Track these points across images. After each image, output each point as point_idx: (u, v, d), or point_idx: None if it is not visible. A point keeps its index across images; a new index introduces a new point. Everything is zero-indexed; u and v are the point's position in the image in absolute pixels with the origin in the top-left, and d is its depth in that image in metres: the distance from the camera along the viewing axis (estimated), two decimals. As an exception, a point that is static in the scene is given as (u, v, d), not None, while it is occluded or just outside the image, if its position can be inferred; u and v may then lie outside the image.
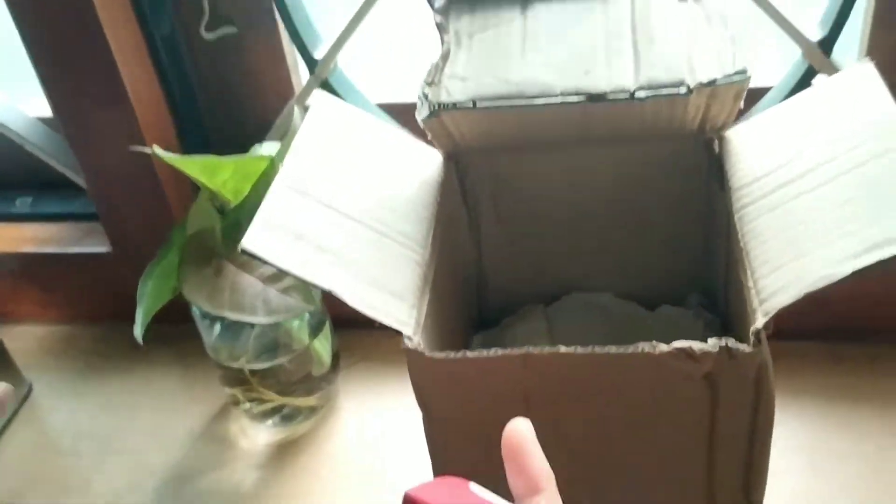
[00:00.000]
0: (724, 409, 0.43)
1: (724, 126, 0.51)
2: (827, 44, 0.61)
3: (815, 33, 0.61)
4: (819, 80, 0.61)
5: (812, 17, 0.63)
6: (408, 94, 0.73)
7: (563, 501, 0.35)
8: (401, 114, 0.70)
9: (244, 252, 0.41)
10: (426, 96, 0.48)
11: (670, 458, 0.46)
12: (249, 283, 0.56)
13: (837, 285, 0.64)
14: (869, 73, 0.47)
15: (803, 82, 0.62)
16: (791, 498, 0.57)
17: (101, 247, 0.77)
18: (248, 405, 0.68)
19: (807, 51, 0.61)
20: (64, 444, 0.71)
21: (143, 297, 0.58)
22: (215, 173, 0.56)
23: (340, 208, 0.46)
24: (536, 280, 0.61)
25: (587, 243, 0.58)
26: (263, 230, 0.43)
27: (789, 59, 0.65)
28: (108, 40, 0.63)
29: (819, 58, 0.61)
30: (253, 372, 0.65)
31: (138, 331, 0.58)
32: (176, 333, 0.71)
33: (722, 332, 0.57)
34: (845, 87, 0.48)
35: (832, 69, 0.61)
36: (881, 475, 0.58)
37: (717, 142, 0.52)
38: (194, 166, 0.55)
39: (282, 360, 0.65)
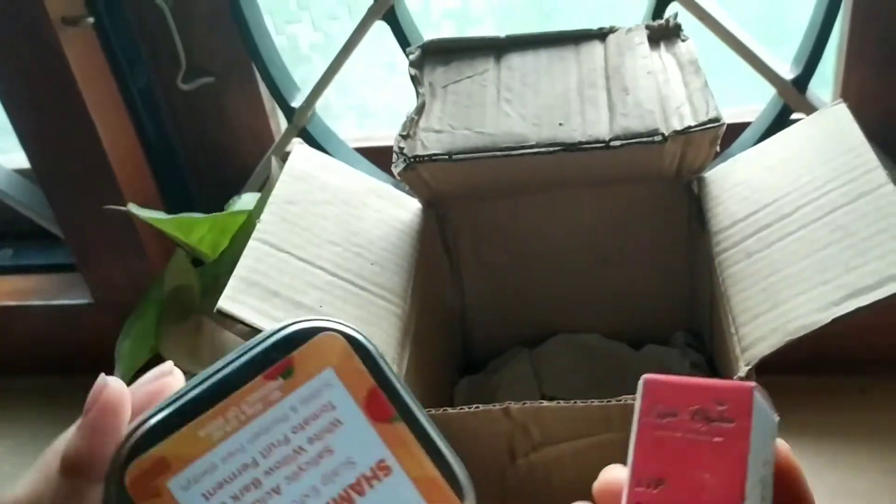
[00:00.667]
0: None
1: (701, 169, 0.51)
2: (801, 82, 0.61)
3: (789, 71, 0.62)
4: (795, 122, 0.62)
5: (785, 55, 0.63)
6: (384, 139, 0.73)
7: None
8: (378, 158, 0.70)
9: (221, 312, 0.41)
10: (402, 150, 0.48)
11: None
12: (229, 339, 0.56)
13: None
14: (843, 116, 0.47)
15: (780, 120, 0.62)
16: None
17: (81, 298, 0.77)
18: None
19: (781, 90, 0.61)
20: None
21: (121, 357, 0.58)
22: (192, 230, 0.56)
23: (318, 263, 0.46)
24: (521, 322, 0.60)
25: (570, 284, 0.58)
26: (240, 289, 0.42)
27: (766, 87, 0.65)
28: (83, 93, 0.63)
29: (794, 96, 0.61)
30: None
31: None
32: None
33: (708, 370, 0.57)
34: (820, 129, 0.48)
35: (808, 107, 0.61)
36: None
37: (695, 182, 0.52)
38: (170, 225, 0.55)
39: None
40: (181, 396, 0.27)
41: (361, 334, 0.28)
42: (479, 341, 0.61)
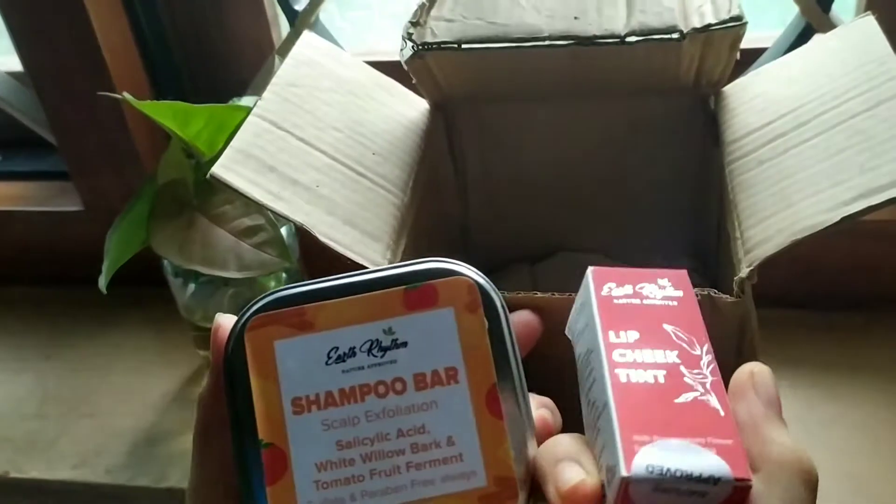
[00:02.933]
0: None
1: (721, 81, 0.50)
2: (825, 0, 0.59)
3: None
4: (818, 37, 0.60)
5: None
6: (390, 54, 0.71)
7: None
8: (385, 71, 0.69)
9: (213, 178, 0.39)
10: (410, 36, 0.47)
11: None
12: (222, 236, 0.54)
13: (828, 252, 0.64)
14: (870, 27, 0.46)
15: (801, 41, 0.60)
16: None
17: (73, 205, 0.75)
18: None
19: (804, 8, 0.60)
20: (29, 407, 0.69)
21: (109, 250, 0.56)
22: (188, 122, 0.54)
23: (318, 145, 0.45)
24: (523, 238, 0.59)
25: (576, 201, 0.57)
26: (235, 159, 0.41)
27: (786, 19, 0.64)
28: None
29: (817, 14, 0.59)
30: (227, 331, 0.63)
31: (102, 282, 0.56)
32: (150, 296, 0.70)
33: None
34: (845, 40, 0.46)
35: (831, 27, 0.59)
36: (871, 442, 0.56)
37: (713, 98, 0.50)
38: (166, 112, 0.53)
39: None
40: (320, 282, 0.30)
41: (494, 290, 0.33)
42: (480, 255, 0.60)
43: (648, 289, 0.33)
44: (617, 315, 0.31)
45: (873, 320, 0.65)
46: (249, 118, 0.44)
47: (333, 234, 0.41)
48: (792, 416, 0.57)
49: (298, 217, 0.40)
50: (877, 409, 0.58)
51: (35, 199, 0.78)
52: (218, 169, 0.40)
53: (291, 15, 0.66)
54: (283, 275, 0.63)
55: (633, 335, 0.31)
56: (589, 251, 0.60)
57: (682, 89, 0.51)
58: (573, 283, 0.58)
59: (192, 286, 0.63)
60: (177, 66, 0.71)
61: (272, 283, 0.63)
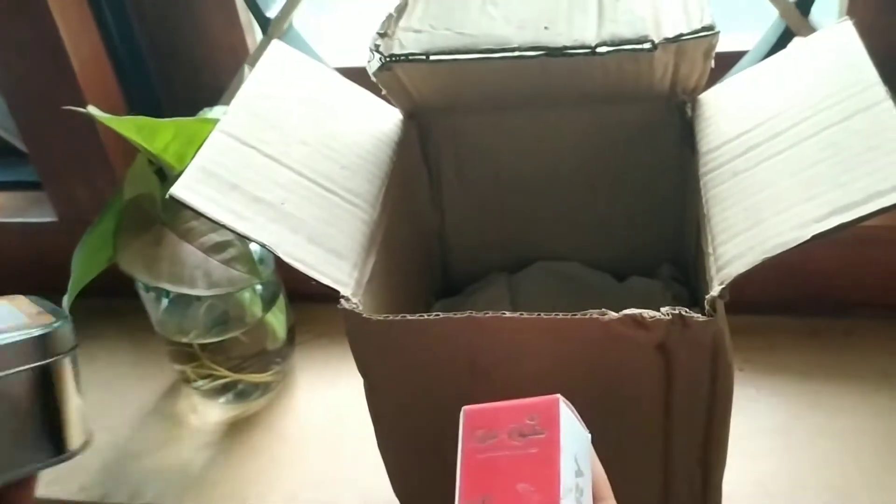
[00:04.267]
0: (679, 380, 0.41)
1: (697, 88, 0.49)
2: (805, 4, 0.58)
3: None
4: (796, 42, 0.59)
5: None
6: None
7: None
8: (359, 78, 0.68)
9: (172, 198, 0.38)
10: (377, 47, 0.46)
11: (625, 429, 0.44)
12: (190, 252, 0.53)
13: (813, 257, 0.63)
14: (847, 33, 0.45)
15: (780, 45, 0.60)
16: (763, 477, 0.54)
17: (46, 216, 0.74)
18: (198, 382, 0.65)
19: (783, 11, 0.59)
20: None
21: (76, 266, 0.55)
22: (155, 136, 0.53)
23: (285, 161, 0.44)
24: (501, 247, 0.58)
25: (554, 210, 0.56)
26: (196, 177, 0.40)
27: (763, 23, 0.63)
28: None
29: (796, 18, 0.58)
30: (203, 347, 0.62)
31: (66, 302, 0.55)
32: (124, 307, 0.69)
33: (690, 303, 0.55)
34: (823, 47, 0.46)
35: (810, 31, 0.58)
36: (854, 454, 0.56)
37: (689, 105, 0.50)
38: (130, 127, 0.52)
39: (233, 334, 0.61)
40: None
41: None
42: (457, 265, 0.59)
43: (516, 431, 0.31)
44: (477, 474, 0.31)
45: (857, 326, 0.64)
46: (213, 134, 0.43)
47: (298, 253, 0.40)
48: (776, 428, 0.58)
49: (261, 237, 0.39)
50: (861, 418, 0.57)
51: (7, 209, 0.77)
52: (177, 189, 0.39)
53: (264, 22, 0.64)
54: (259, 287, 0.63)
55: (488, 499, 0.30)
56: (567, 259, 0.59)
57: (657, 97, 0.50)
58: (551, 291, 0.58)
59: (164, 301, 0.62)
60: (149, 74, 0.69)
61: (246, 296, 0.62)
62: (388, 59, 0.45)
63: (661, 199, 0.55)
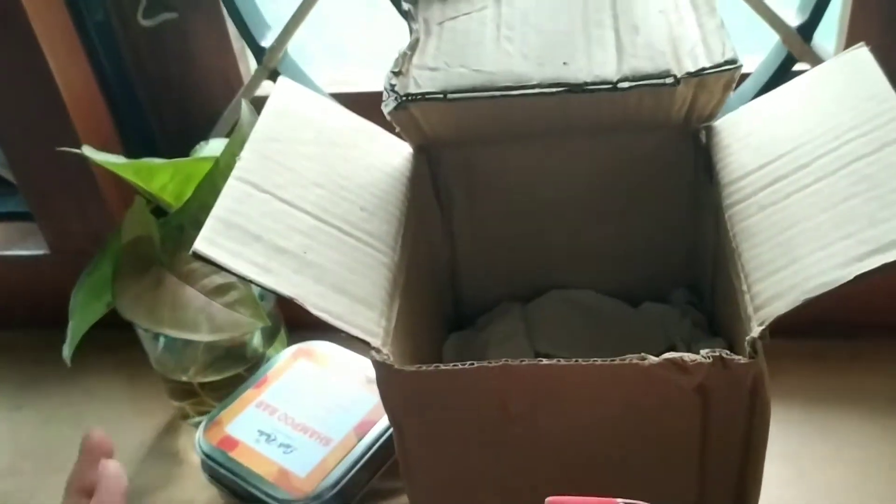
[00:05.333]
0: (716, 419, 0.40)
1: (711, 116, 0.48)
2: (807, 30, 0.58)
3: (794, 18, 0.59)
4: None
5: (789, 1, 0.60)
6: (363, 83, 0.69)
7: None
8: (356, 104, 0.66)
9: (195, 255, 0.37)
10: (393, 87, 0.45)
11: (659, 467, 0.44)
12: (192, 296, 0.51)
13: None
14: (865, 59, 0.45)
15: (782, 70, 0.59)
16: (778, 506, 0.54)
17: (38, 249, 0.72)
18: (198, 418, 0.64)
19: (785, 37, 0.59)
20: (4, 461, 0.66)
21: (75, 311, 0.53)
22: (152, 178, 0.52)
23: (302, 205, 0.43)
24: (513, 277, 0.58)
25: (566, 238, 0.55)
26: (217, 231, 0.39)
27: (761, 44, 0.63)
28: (33, 25, 0.58)
29: (798, 45, 0.58)
30: (203, 384, 0.60)
31: (66, 352, 0.53)
32: (119, 340, 0.66)
33: (709, 330, 0.55)
34: (840, 74, 0.45)
35: (813, 57, 0.59)
36: (865, 480, 0.56)
37: (703, 132, 0.49)
38: (128, 170, 0.51)
39: (234, 371, 0.60)
40: None
41: None
42: (468, 296, 0.58)
43: None
44: None
45: (863, 349, 0.64)
46: (230, 181, 0.41)
47: (325, 304, 0.39)
48: (786, 454, 0.57)
49: (287, 290, 0.38)
50: (871, 443, 0.57)
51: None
52: (200, 244, 0.37)
53: (258, 52, 0.63)
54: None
55: None
56: (581, 287, 0.58)
57: (672, 126, 0.49)
58: (567, 321, 0.57)
59: (162, 340, 0.61)
60: (141, 104, 0.68)
61: (248, 337, 0.61)
62: (404, 98, 0.44)
63: (674, 225, 0.54)
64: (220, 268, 0.37)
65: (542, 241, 0.56)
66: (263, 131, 0.45)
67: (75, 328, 0.53)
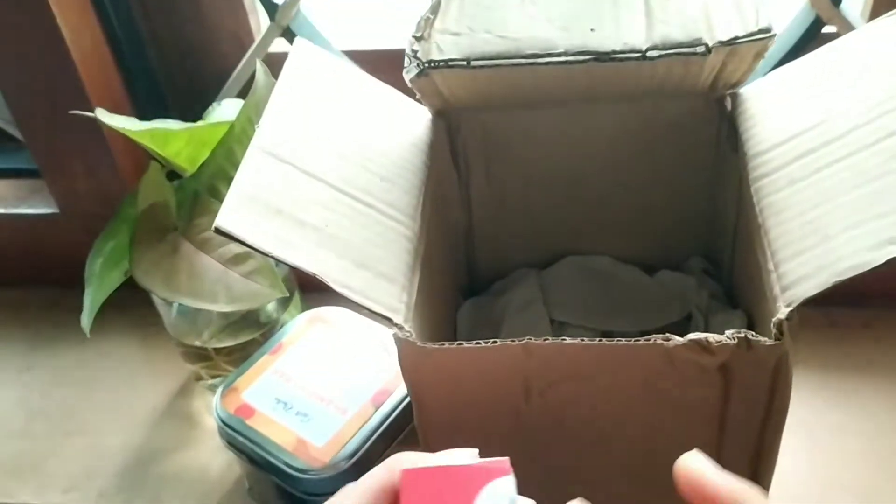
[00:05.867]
0: (737, 397, 0.40)
1: (739, 83, 0.47)
2: (836, -9, 0.57)
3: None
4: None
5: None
6: (378, 40, 0.67)
7: (563, 496, 0.32)
8: (370, 62, 0.65)
9: (218, 231, 0.36)
10: (415, 53, 0.44)
11: (677, 439, 0.43)
12: (209, 265, 0.51)
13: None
14: (893, 27, 0.43)
15: (810, 33, 0.58)
16: (787, 477, 0.54)
17: (47, 207, 0.71)
18: (212, 381, 0.64)
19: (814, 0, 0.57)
20: (14, 424, 0.66)
21: (92, 278, 0.52)
22: (167, 142, 0.51)
23: (323, 177, 0.42)
24: (529, 243, 0.57)
25: (585, 205, 0.55)
26: (239, 205, 0.38)
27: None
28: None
29: (826, 7, 0.57)
30: (217, 349, 0.60)
31: (85, 322, 0.53)
32: (133, 300, 0.65)
33: (726, 301, 0.54)
34: (872, 43, 0.44)
35: (841, 20, 0.57)
36: (879, 450, 0.56)
37: (729, 99, 0.48)
38: (143, 136, 0.50)
39: (249, 337, 0.60)
40: None
41: None
42: (484, 261, 0.58)
43: None
44: None
45: (877, 318, 0.63)
46: (250, 151, 0.40)
47: (347, 280, 0.38)
48: (799, 423, 0.57)
49: (310, 266, 0.37)
50: (885, 414, 0.57)
51: (6, 200, 0.74)
52: (222, 219, 0.36)
53: (270, 8, 0.61)
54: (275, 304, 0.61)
55: None
56: (597, 253, 0.58)
57: (697, 93, 0.48)
58: (583, 289, 0.57)
59: (176, 304, 0.60)
60: (151, 62, 0.66)
61: (267, 306, 0.60)
62: (426, 64, 0.43)
63: (695, 195, 0.54)
64: (242, 244, 0.37)
65: (561, 208, 0.55)
66: (281, 97, 0.44)
67: (93, 298, 0.52)
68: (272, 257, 0.37)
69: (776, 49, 0.60)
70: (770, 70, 0.58)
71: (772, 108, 0.46)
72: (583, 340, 0.38)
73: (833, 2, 0.57)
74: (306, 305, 0.65)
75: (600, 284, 0.56)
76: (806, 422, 0.58)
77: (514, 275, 0.58)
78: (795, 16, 0.60)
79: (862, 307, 0.64)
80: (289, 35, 0.63)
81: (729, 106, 0.48)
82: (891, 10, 0.44)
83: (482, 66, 0.43)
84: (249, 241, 0.37)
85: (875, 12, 0.58)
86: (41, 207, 0.72)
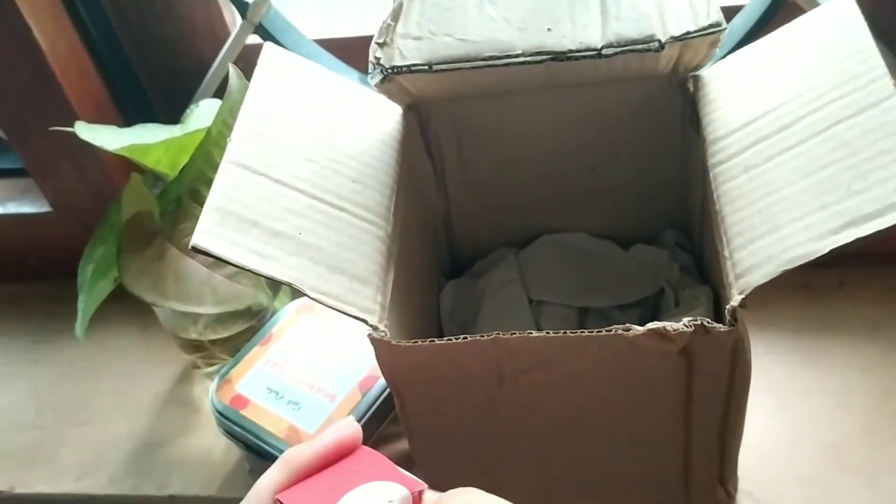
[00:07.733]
0: (699, 379, 0.42)
1: (698, 67, 0.48)
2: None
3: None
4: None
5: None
6: (350, 27, 0.68)
7: (541, 474, 0.34)
8: (341, 49, 0.66)
9: (195, 249, 0.38)
10: (378, 60, 0.45)
11: (646, 426, 0.46)
12: (194, 269, 0.53)
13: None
14: (850, 12, 0.44)
15: (774, 6, 0.59)
16: (761, 438, 0.57)
17: (40, 206, 0.73)
18: (209, 369, 0.66)
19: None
20: (25, 416, 0.69)
21: (84, 286, 0.55)
22: (146, 154, 0.52)
23: (295, 184, 0.43)
24: (506, 225, 0.59)
25: (557, 187, 0.57)
26: (214, 221, 0.40)
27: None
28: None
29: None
30: (212, 340, 0.63)
31: (79, 331, 0.55)
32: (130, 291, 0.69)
33: (697, 273, 0.56)
34: (826, 26, 0.45)
35: (805, -5, 0.58)
36: (846, 409, 0.58)
37: (690, 81, 0.49)
38: (122, 150, 0.51)
39: (241, 327, 0.62)
40: None
41: None
42: (464, 243, 0.60)
43: None
44: None
45: (849, 277, 0.65)
46: (223, 166, 0.42)
47: (322, 285, 0.40)
48: (771, 387, 0.59)
49: (285, 276, 0.39)
50: (851, 373, 0.59)
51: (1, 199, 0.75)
52: (199, 237, 0.38)
53: (241, 6, 0.62)
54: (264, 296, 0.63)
55: None
56: (572, 230, 0.60)
57: (659, 77, 0.50)
58: (560, 266, 0.59)
59: (167, 302, 0.62)
60: (131, 62, 0.67)
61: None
62: (389, 70, 0.45)
63: (663, 171, 0.55)
64: (219, 259, 0.39)
65: (534, 188, 0.57)
66: (252, 107, 0.45)
67: (85, 308, 0.54)
68: (249, 270, 0.39)
69: (742, 21, 0.61)
70: (736, 43, 0.59)
71: (732, 91, 0.47)
72: (548, 333, 0.40)
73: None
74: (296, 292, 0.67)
75: (576, 261, 0.58)
76: (779, 385, 0.60)
77: (494, 255, 0.60)
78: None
79: (835, 267, 0.66)
80: (261, 31, 0.64)
81: (692, 87, 0.50)
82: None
83: (444, 70, 0.44)
84: (226, 256, 0.39)
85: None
86: (34, 206, 0.74)
